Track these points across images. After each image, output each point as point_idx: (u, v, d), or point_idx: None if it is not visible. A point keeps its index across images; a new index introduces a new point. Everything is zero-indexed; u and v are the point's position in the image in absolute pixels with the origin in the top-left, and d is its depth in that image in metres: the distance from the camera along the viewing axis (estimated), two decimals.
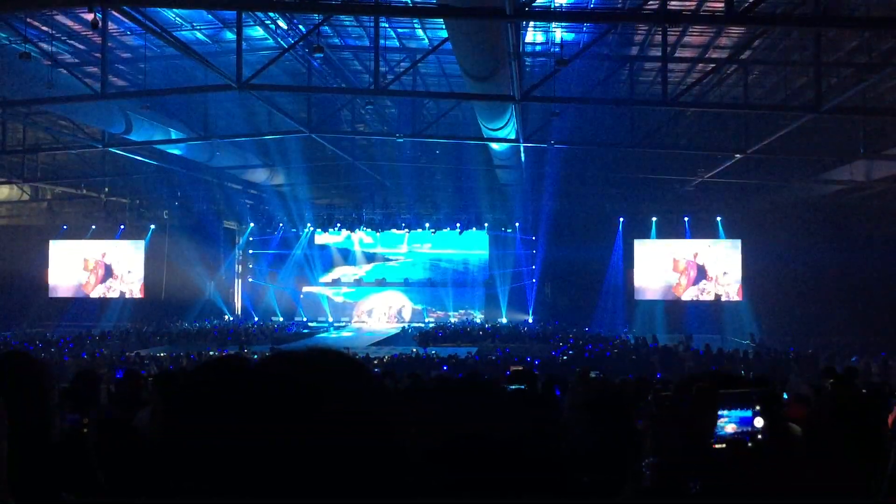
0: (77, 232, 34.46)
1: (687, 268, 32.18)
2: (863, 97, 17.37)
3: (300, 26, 17.32)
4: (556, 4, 15.37)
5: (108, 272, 34.65)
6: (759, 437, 2.30)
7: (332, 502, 0.85)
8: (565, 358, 21.82)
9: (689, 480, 2.34)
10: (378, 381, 0.99)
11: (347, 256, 37.47)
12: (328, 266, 37.59)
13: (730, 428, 2.30)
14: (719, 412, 2.29)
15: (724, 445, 2.28)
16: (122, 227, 33.98)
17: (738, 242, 31.58)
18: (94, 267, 34.59)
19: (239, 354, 18.07)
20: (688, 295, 32.16)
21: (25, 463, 1.52)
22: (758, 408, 2.32)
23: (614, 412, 4.53)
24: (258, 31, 17.98)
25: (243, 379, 0.91)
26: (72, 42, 18.23)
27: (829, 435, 3.59)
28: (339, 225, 34.76)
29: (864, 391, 6.91)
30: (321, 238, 37.14)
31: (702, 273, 32.01)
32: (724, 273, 31.88)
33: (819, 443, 3.75)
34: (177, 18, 17.18)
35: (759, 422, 2.31)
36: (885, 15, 13.85)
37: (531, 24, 16.73)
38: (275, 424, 0.85)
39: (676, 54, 18.26)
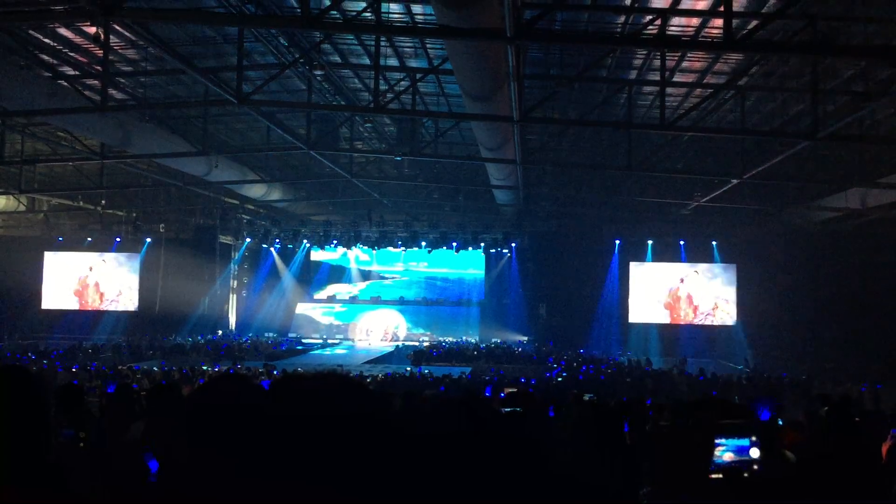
0: (73, 244, 34.42)
1: (679, 298, 32.35)
2: (859, 125, 17.48)
3: (301, 43, 17.39)
4: (557, 27, 15.45)
5: (103, 285, 34.59)
6: (755, 467, 2.30)
7: None
8: (560, 379, 21.75)
9: None
10: (382, 401, 0.99)
11: (343, 273, 37.45)
12: (323, 283, 37.56)
13: (727, 456, 2.30)
14: (718, 440, 2.29)
15: (720, 476, 2.28)
16: (117, 239, 33.95)
17: (733, 267, 31.71)
18: (88, 279, 34.54)
19: (238, 371, 18.02)
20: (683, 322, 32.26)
21: (23, 479, 1.52)
22: (754, 438, 2.32)
23: (608, 434, 4.53)
24: (259, 48, 18.06)
25: (257, 399, 0.92)
26: (73, 54, 18.28)
27: (825, 463, 3.59)
28: (335, 242, 34.76)
29: (857, 420, 6.90)
30: (317, 255, 37.12)
31: (691, 303, 32.28)
32: (718, 303, 32.05)
33: (814, 470, 3.75)
34: (179, 33, 17.24)
35: (755, 452, 2.31)
36: (883, 44, 13.97)
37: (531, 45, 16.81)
38: (289, 445, 0.86)
39: (674, 79, 18.36)
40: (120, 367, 21.66)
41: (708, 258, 32.05)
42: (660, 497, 2.48)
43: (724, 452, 2.28)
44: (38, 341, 29.21)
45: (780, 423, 6.86)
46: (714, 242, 31.63)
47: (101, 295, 34.47)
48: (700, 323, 32.17)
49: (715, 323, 32.07)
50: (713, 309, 32.02)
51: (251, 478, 0.90)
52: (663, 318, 32.43)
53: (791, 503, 2.63)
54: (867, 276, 26.06)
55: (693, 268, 32.24)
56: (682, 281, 32.26)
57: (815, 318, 27.43)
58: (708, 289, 32.23)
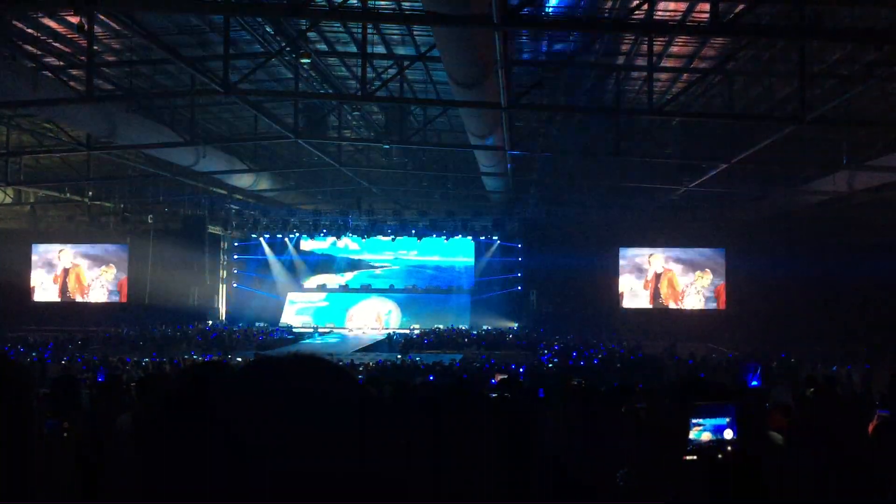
0: (60, 236, 34.24)
1: (665, 279, 32.48)
2: (846, 108, 17.52)
3: (287, 31, 17.31)
4: (544, 13, 15.44)
5: (91, 276, 34.48)
6: (729, 448, 2.31)
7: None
8: (550, 366, 21.84)
9: (662, 491, 2.35)
10: (361, 386, 0.98)
11: (333, 263, 37.38)
12: (313, 272, 37.50)
13: (705, 436, 2.31)
14: (696, 420, 2.30)
15: (695, 457, 2.29)
16: (105, 230, 33.80)
17: (722, 251, 31.87)
18: (76, 271, 34.42)
19: (221, 360, 18.03)
20: (672, 304, 32.39)
21: (4, 467, 1.51)
22: (730, 419, 2.33)
23: (597, 418, 4.56)
24: (245, 36, 17.96)
25: (227, 384, 0.91)
26: (57, 44, 18.13)
27: (810, 443, 3.62)
28: (324, 231, 34.70)
29: (844, 400, 6.96)
30: (306, 244, 37.04)
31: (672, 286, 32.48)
32: (702, 286, 32.20)
33: (799, 450, 3.78)
34: (164, 22, 17.12)
35: (728, 434, 2.32)
36: (869, 27, 14.00)
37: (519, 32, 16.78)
38: (257, 430, 0.85)
39: (662, 64, 18.36)
40: (110, 359, 21.63)
41: (697, 243, 32.16)
42: (636, 478, 2.50)
43: (702, 433, 2.29)
44: (27, 334, 29.10)
45: (767, 406, 6.91)
46: (703, 227, 31.71)
47: (84, 287, 34.38)
48: (690, 307, 32.31)
49: (699, 307, 32.23)
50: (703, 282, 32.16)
51: (227, 462, 0.89)
52: (648, 302, 32.55)
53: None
54: (856, 259, 26.19)
55: (667, 253, 32.43)
56: (657, 264, 32.48)
57: (803, 300, 27.57)
58: (691, 272, 32.43)
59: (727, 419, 2.32)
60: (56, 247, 34.35)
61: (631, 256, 32.81)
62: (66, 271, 34.49)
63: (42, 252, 34.46)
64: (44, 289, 34.45)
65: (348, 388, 0.99)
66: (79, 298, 34.54)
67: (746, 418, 2.45)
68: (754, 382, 7.11)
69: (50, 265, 34.48)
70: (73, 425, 3.46)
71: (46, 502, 1.59)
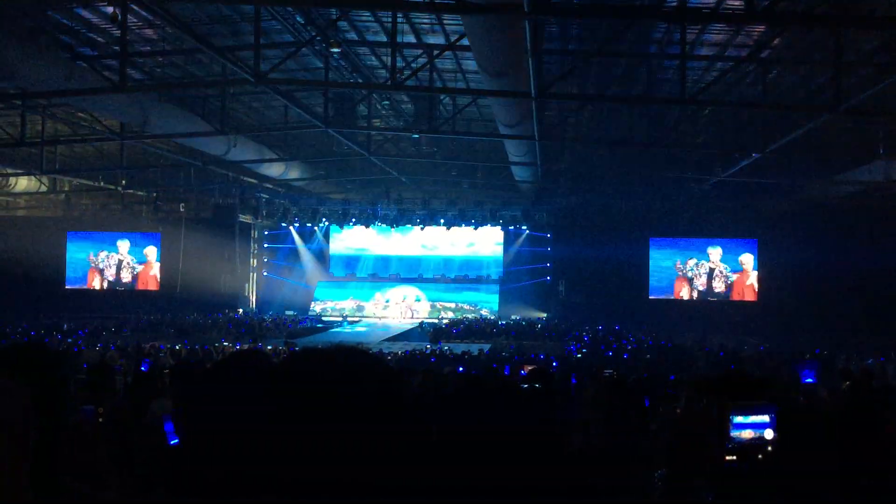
0: (94, 224, 34.70)
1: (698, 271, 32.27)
2: (882, 97, 17.20)
3: (317, 21, 17.34)
4: (575, 0, 15.31)
5: (124, 264, 34.93)
6: (769, 448, 2.28)
7: (352, 500, 0.86)
8: (579, 356, 21.76)
9: (701, 491, 2.32)
10: (399, 379, 0.99)
11: (362, 251, 37.52)
12: (342, 260, 37.67)
13: (746, 434, 2.27)
14: (737, 419, 2.27)
15: (734, 457, 2.26)
16: (138, 219, 34.21)
17: (754, 242, 31.55)
18: (110, 259, 34.88)
19: (259, 349, 18.19)
20: (702, 295, 32.16)
21: (41, 451, 1.54)
22: (769, 418, 2.29)
23: (626, 410, 4.53)
24: (276, 26, 18.02)
25: (268, 377, 0.91)
26: (91, 34, 18.32)
27: (843, 435, 3.57)
28: (353, 220, 34.81)
29: (880, 394, 6.86)
30: (335, 245, 37.25)
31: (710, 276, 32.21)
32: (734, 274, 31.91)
33: (832, 442, 3.73)
34: (196, 12, 17.23)
35: (769, 434, 2.28)
36: None
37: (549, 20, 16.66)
38: (299, 422, 0.85)
39: (695, 52, 18.14)
40: (143, 346, 21.89)
41: (728, 233, 31.84)
42: (674, 480, 2.47)
43: (744, 430, 2.26)
44: (61, 321, 29.53)
45: (801, 399, 6.83)
46: (735, 217, 31.38)
47: (130, 269, 34.90)
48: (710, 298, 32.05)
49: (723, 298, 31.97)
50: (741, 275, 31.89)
51: (266, 449, 0.89)
52: (680, 293, 32.30)
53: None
54: (891, 250, 25.78)
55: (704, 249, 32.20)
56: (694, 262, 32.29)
57: (837, 292, 27.21)
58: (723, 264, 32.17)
59: (768, 418, 2.28)
60: (102, 235, 34.87)
61: (670, 246, 32.63)
62: (113, 257, 35.06)
63: (84, 239, 34.99)
64: (108, 271, 34.99)
65: (387, 380, 0.99)
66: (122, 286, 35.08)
67: (784, 414, 2.41)
68: (809, 379, 6.98)
69: (114, 251, 35.06)
70: (107, 411, 3.51)
71: (81, 487, 1.62)
